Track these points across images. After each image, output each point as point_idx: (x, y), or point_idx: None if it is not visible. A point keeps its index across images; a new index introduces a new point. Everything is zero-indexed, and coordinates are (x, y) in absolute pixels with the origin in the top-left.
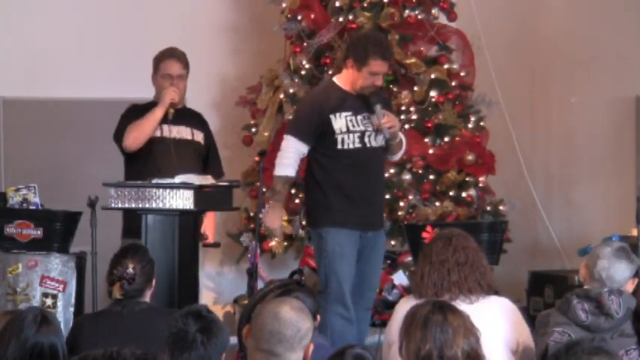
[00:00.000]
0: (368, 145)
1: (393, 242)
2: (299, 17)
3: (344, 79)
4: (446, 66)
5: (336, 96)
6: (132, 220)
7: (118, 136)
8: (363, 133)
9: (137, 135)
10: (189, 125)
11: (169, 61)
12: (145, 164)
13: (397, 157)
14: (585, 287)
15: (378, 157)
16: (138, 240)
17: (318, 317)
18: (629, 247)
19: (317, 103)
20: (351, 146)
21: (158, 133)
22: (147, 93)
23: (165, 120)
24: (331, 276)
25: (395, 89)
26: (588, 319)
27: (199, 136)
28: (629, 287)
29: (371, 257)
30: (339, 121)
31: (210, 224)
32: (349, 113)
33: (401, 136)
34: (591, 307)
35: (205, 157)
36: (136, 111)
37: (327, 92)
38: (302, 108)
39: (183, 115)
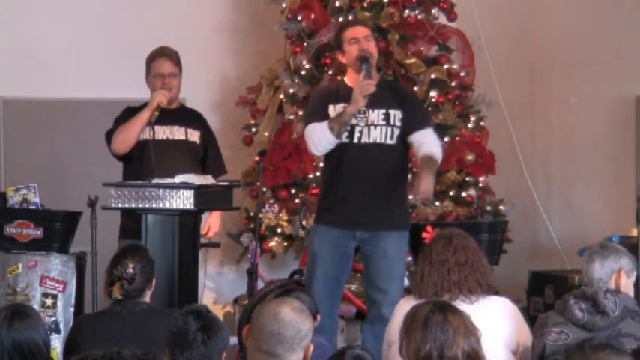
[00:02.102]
0: (356, 141)
1: None
2: (299, 17)
3: (349, 76)
4: (446, 66)
5: (340, 89)
6: (129, 221)
7: (108, 139)
8: (353, 128)
9: (124, 138)
10: (184, 125)
11: (160, 59)
12: (140, 166)
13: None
14: (582, 287)
15: (376, 153)
16: (136, 241)
17: (318, 317)
18: (613, 245)
19: (322, 92)
20: (339, 141)
21: (149, 135)
22: (147, 93)
23: (148, 123)
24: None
25: None
26: (584, 318)
27: (194, 136)
28: (620, 281)
29: (372, 257)
30: (333, 112)
31: (216, 219)
32: (345, 104)
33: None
34: (587, 305)
35: (203, 156)
36: (128, 114)
37: (334, 85)
38: (311, 99)
39: (178, 115)
